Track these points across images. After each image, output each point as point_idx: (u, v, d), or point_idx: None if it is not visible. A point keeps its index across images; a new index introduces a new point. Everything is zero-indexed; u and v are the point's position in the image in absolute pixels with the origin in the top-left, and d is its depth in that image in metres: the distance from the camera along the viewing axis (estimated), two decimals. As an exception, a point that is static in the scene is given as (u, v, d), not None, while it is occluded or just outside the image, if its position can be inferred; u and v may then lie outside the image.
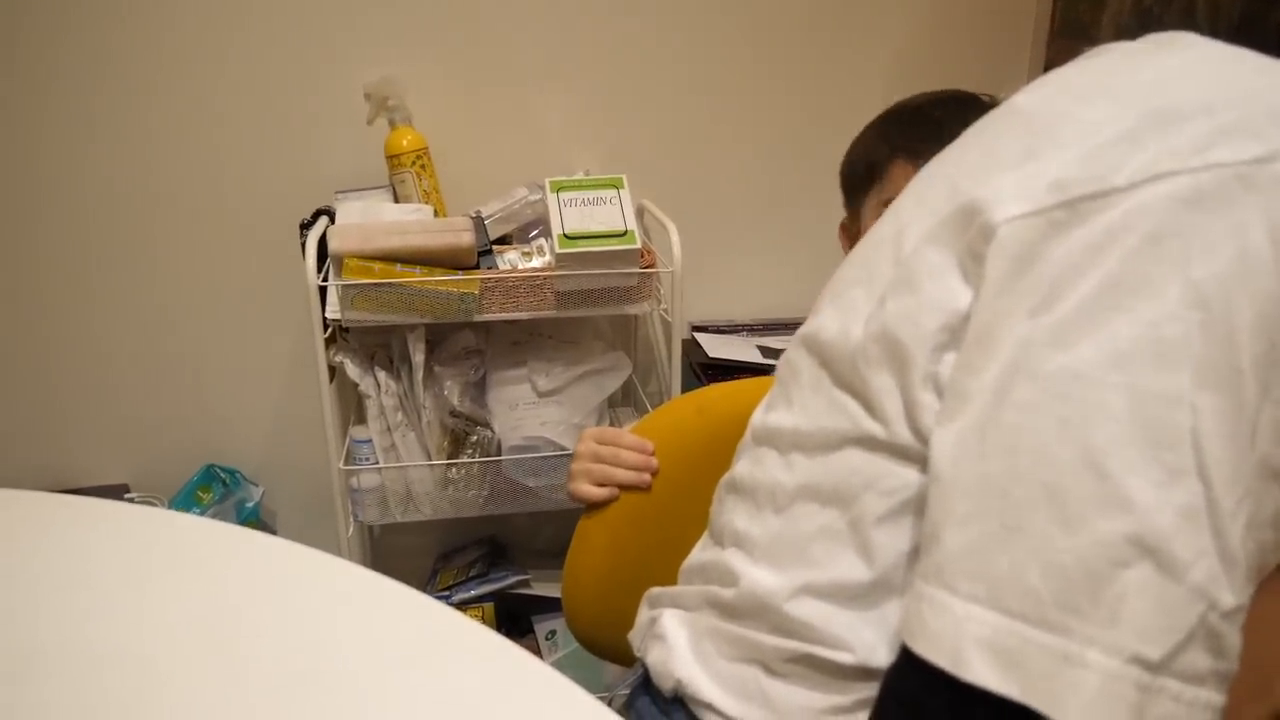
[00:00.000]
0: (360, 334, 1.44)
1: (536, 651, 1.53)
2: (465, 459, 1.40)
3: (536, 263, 1.36)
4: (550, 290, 1.35)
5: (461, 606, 1.51)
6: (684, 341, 1.58)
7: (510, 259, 1.37)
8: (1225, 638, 0.36)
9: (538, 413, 1.41)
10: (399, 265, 1.29)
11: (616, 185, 1.39)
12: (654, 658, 0.57)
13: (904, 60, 1.62)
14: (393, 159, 1.46)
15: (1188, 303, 0.36)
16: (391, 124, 1.46)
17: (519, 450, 1.39)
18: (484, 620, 1.52)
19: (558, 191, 1.38)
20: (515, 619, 1.59)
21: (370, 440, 1.38)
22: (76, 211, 1.46)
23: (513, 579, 1.54)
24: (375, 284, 1.27)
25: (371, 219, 1.35)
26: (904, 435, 0.45)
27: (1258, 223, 0.36)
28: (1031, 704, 0.35)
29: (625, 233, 1.33)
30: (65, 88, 1.41)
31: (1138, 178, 0.39)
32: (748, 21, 1.55)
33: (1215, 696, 0.36)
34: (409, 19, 1.48)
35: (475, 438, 1.40)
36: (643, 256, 1.36)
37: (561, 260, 1.32)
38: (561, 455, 1.38)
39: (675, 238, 1.36)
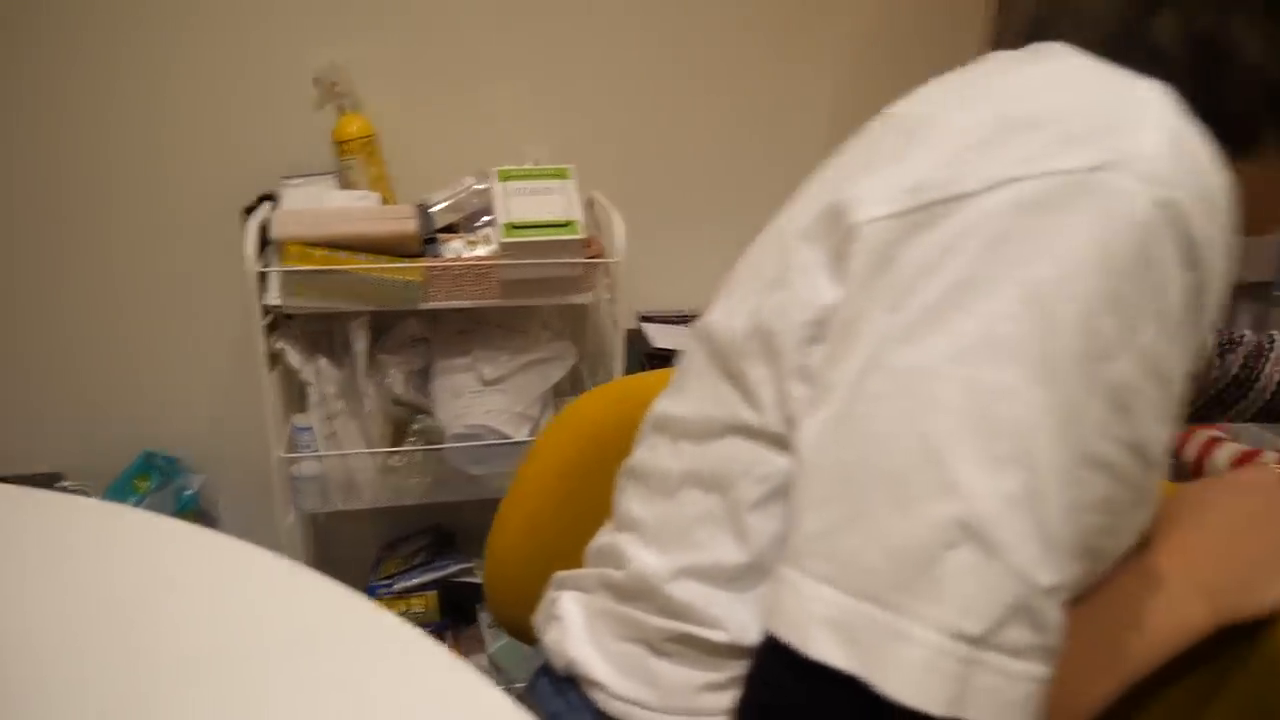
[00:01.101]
0: (304, 321, 1.43)
1: (479, 639, 1.53)
2: (408, 447, 1.40)
3: (482, 251, 1.36)
4: (495, 279, 1.35)
5: (404, 595, 1.51)
6: (631, 331, 1.59)
7: (455, 247, 1.37)
8: (1044, 614, 0.38)
9: (482, 401, 1.41)
10: (342, 252, 1.29)
11: (563, 175, 1.39)
12: (550, 638, 0.58)
13: (853, 52, 1.64)
14: (340, 145, 1.46)
15: (1021, 302, 0.39)
16: (340, 110, 1.46)
17: (463, 438, 1.39)
18: (426, 609, 1.52)
19: (504, 181, 1.38)
20: (459, 607, 1.59)
21: (311, 428, 1.38)
22: (9, 192, 1.44)
23: (455, 567, 1.55)
24: (317, 270, 1.26)
25: (316, 205, 1.34)
26: (777, 424, 0.47)
27: (1087, 227, 0.39)
28: (865, 677, 0.37)
29: (569, 223, 1.33)
30: (0, 68, 1.39)
31: (986, 183, 0.41)
32: (699, 12, 1.56)
33: (1037, 668, 0.39)
34: (361, 4, 1.47)
35: (418, 426, 1.39)
36: (587, 246, 1.37)
37: (505, 249, 1.32)
38: (505, 444, 1.38)
39: (619, 228, 1.36)
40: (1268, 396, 0.97)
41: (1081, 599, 0.52)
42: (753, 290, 0.51)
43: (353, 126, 1.45)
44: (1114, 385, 0.39)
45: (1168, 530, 0.56)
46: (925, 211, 0.42)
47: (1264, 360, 0.96)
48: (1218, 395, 0.98)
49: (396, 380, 1.39)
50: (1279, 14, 0.46)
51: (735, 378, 0.50)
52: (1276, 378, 0.96)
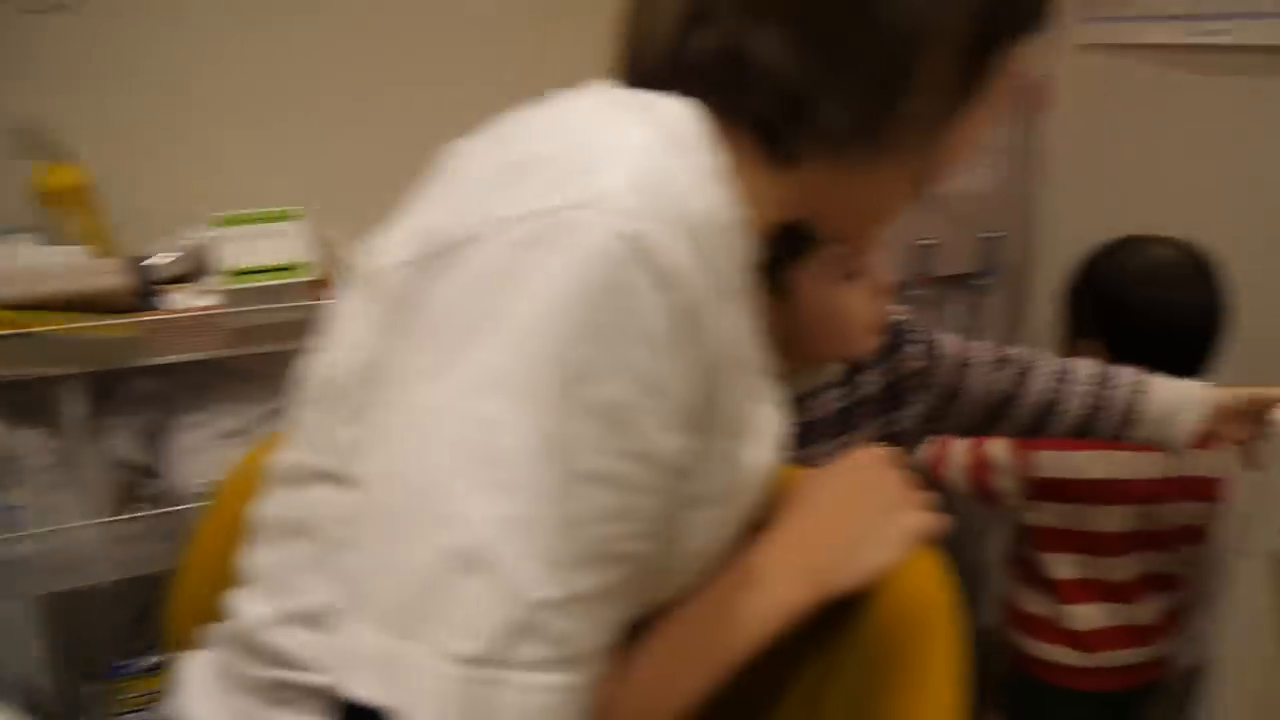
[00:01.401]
0: (9, 389, 1.32)
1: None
2: (144, 512, 1.32)
3: (207, 300, 1.30)
4: (224, 328, 1.29)
5: (151, 672, 1.41)
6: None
7: (179, 298, 1.30)
8: (554, 626, 0.41)
9: (223, 455, 1.34)
10: (43, 313, 1.20)
11: (288, 217, 1.36)
12: (175, 701, 0.57)
13: (606, 73, 1.67)
14: (46, 197, 1.36)
15: (512, 337, 0.41)
16: (45, 161, 1.36)
17: (201, 497, 1.32)
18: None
19: (227, 226, 1.33)
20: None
21: (24, 505, 1.27)
22: None
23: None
24: (9, 335, 1.17)
25: (7, 265, 1.24)
26: (344, 468, 0.49)
27: (561, 263, 0.42)
28: (399, 710, 0.39)
29: (294, 265, 1.30)
30: None
31: (489, 225, 0.44)
32: (437, 39, 1.56)
33: (557, 678, 0.41)
34: (69, 53, 1.37)
35: (152, 490, 1.31)
36: (322, 287, 1.33)
37: (228, 297, 1.27)
38: (248, 498, 1.32)
39: (350, 266, 1.34)
40: (1035, 412, 1.02)
41: (679, 600, 0.54)
42: (325, 339, 0.53)
43: (59, 178, 1.36)
44: (604, 405, 0.41)
45: (778, 518, 0.60)
46: (439, 257, 0.45)
47: (1030, 376, 1.03)
48: (990, 409, 1.03)
49: (122, 442, 1.31)
50: (794, 23, 0.50)
51: (314, 424, 0.52)
52: (1036, 394, 1.02)
